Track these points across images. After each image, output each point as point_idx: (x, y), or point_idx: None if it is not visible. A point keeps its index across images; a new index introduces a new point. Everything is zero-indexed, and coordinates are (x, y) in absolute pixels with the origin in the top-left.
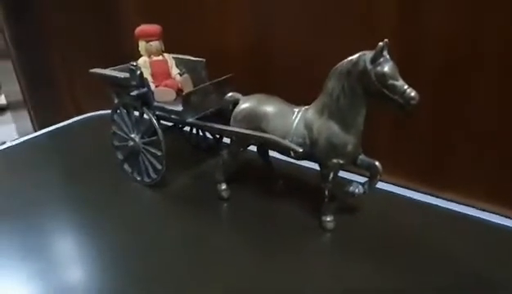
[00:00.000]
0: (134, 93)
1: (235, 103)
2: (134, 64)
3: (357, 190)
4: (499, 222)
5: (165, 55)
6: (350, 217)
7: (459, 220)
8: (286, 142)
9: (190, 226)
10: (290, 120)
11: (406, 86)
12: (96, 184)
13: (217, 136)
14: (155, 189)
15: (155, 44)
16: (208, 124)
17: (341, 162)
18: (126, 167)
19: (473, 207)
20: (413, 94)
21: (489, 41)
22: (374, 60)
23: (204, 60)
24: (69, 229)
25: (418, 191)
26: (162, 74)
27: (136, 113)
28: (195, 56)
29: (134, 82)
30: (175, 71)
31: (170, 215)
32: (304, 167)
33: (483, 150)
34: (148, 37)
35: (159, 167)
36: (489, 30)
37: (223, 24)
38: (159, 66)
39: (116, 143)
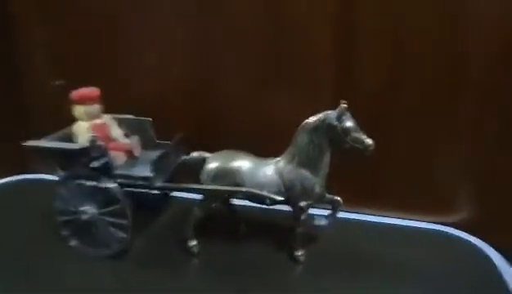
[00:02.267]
0: (95, 165)
1: (202, 161)
2: (94, 135)
3: (322, 223)
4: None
5: (105, 116)
6: (315, 247)
7: (397, 231)
8: (266, 193)
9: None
10: (263, 172)
11: (364, 136)
12: (40, 260)
13: (166, 193)
14: (114, 259)
15: (94, 107)
16: (183, 185)
17: (311, 202)
18: (74, 242)
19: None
20: (371, 142)
21: (407, 95)
22: (339, 118)
23: (150, 119)
24: None
25: (364, 213)
26: (104, 138)
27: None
28: (124, 113)
29: (95, 154)
30: (116, 132)
31: (139, 285)
32: (263, 207)
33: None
34: (87, 102)
35: (123, 235)
36: (410, 85)
37: (162, 77)
38: (100, 130)
39: (62, 218)
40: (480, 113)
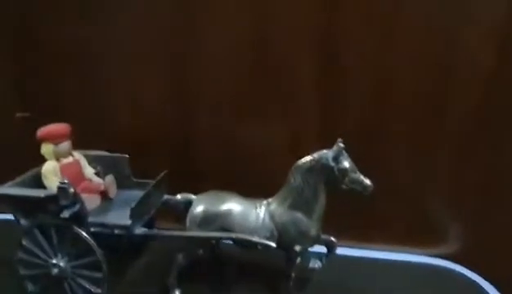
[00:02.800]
0: (66, 214)
1: (187, 204)
2: (65, 181)
3: (316, 265)
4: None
5: (75, 154)
6: (309, 288)
7: (390, 266)
8: (258, 239)
9: None
10: (254, 215)
11: (362, 177)
12: None
13: None
14: None
15: (64, 145)
16: (166, 233)
17: (306, 246)
18: None
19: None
20: (369, 183)
21: (395, 121)
22: (335, 158)
23: (126, 155)
24: None
25: (352, 247)
26: (75, 178)
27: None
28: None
29: (66, 202)
30: (89, 171)
31: None
32: None
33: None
34: (56, 139)
35: (97, 290)
36: (396, 115)
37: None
38: (70, 170)
39: (25, 272)
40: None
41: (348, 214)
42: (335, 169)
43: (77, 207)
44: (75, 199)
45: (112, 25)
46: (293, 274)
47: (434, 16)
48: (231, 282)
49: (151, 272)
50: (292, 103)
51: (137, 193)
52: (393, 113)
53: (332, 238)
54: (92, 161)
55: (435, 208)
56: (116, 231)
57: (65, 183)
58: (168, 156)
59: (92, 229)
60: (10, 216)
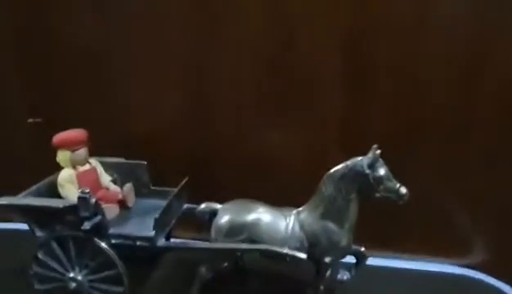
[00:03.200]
0: (87, 226)
1: (212, 213)
2: (85, 191)
3: (345, 277)
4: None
5: (91, 160)
6: None
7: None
8: (288, 251)
9: None
10: (284, 225)
11: (398, 185)
12: None
13: None
14: None
15: (81, 152)
16: (192, 245)
17: (337, 257)
18: None
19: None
20: (405, 191)
21: (425, 125)
22: (371, 166)
23: (145, 162)
24: None
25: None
26: (92, 186)
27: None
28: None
29: (86, 213)
30: (105, 179)
31: None
32: None
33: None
34: (73, 146)
35: None
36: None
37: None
38: (87, 178)
39: (41, 286)
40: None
41: (374, 223)
42: (370, 177)
43: (98, 218)
44: (96, 210)
45: (129, 29)
46: (322, 287)
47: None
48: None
49: (170, 284)
50: (315, 106)
51: (156, 202)
52: (423, 116)
53: (362, 249)
54: (108, 168)
55: (461, 218)
56: (139, 243)
57: (85, 192)
58: (186, 163)
59: (113, 241)
60: (21, 226)
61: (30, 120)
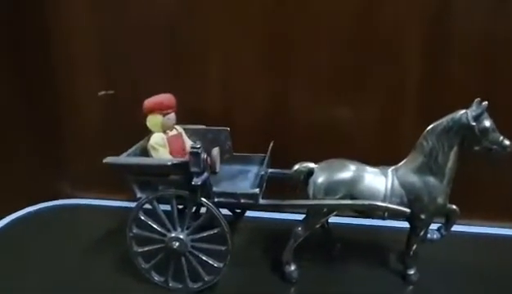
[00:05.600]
0: (198, 181)
1: (309, 173)
2: (197, 146)
3: (435, 236)
4: None
5: (177, 127)
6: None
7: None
8: (395, 206)
9: None
10: (383, 182)
11: (501, 137)
12: None
13: (238, 212)
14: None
15: (172, 116)
16: (295, 202)
17: (435, 214)
18: (155, 276)
19: None
20: (508, 143)
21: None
22: (477, 118)
23: (227, 128)
24: None
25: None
26: (178, 151)
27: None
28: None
29: (197, 169)
30: (189, 144)
31: None
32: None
33: None
34: (165, 110)
35: (217, 264)
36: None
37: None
38: (175, 142)
39: (138, 249)
40: None
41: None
42: (476, 128)
43: (206, 175)
44: (205, 166)
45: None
46: (415, 246)
47: None
48: (341, 259)
49: (247, 248)
50: (394, 79)
51: (240, 168)
52: (502, 86)
53: (454, 207)
54: (190, 135)
55: None
56: (243, 201)
57: (197, 147)
58: (260, 133)
59: (216, 200)
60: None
61: (102, 92)
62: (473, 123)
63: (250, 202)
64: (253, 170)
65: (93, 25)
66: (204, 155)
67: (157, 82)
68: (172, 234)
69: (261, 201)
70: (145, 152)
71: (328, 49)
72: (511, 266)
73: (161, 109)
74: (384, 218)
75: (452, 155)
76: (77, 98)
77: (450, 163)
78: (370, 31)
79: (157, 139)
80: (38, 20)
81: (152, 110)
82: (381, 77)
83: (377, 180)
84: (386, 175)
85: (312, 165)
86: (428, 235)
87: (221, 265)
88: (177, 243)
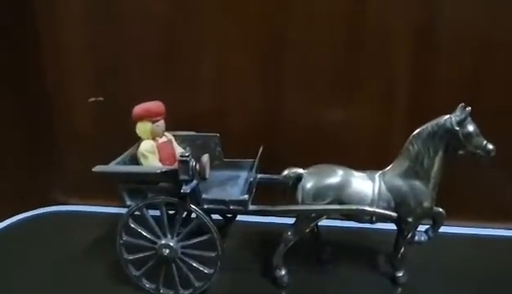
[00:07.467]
0: (187, 189)
1: (298, 178)
2: (186, 154)
3: (422, 238)
4: None
5: (166, 134)
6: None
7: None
8: (382, 211)
9: None
10: (370, 186)
11: (485, 142)
12: None
13: (229, 217)
14: None
15: (161, 124)
16: (283, 208)
17: (421, 217)
18: (146, 283)
19: None
20: (492, 147)
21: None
22: (460, 123)
23: (217, 134)
24: None
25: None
26: (168, 158)
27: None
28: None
29: (186, 177)
30: (179, 152)
31: None
32: (346, 227)
33: None
34: (155, 117)
35: (208, 271)
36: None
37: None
38: (165, 149)
39: (129, 256)
40: None
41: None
42: (460, 133)
43: (195, 182)
44: (194, 174)
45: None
46: (403, 248)
47: None
48: (330, 263)
49: (239, 253)
50: (386, 81)
51: (230, 173)
52: (489, 89)
53: (440, 210)
54: (181, 141)
55: None
56: (232, 207)
57: (186, 155)
58: (252, 137)
59: (206, 207)
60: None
61: (92, 99)
62: (457, 128)
63: (240, 208)
64: (243, 175)
65: (85, 30)
66: (193, 163)
67: (149, 84)
68: (163, 241)
69: (250, 207)
70: (134, 159)
71: (319, 56)
72: (497, 266)
73: (150, 116)
74: (372, 222)
75: (438, 159)
76: (70, 105)
77: (435, 167)
78: (361, 35)
79: (146, 146)
80: (30, 24)
81: (141, 117)
82: (371, 83)
83: (365, 185)
84: (373, 180)
85: (300, 170)
86: (416, 237)
87: (211, 271)
88: (168, 250)
